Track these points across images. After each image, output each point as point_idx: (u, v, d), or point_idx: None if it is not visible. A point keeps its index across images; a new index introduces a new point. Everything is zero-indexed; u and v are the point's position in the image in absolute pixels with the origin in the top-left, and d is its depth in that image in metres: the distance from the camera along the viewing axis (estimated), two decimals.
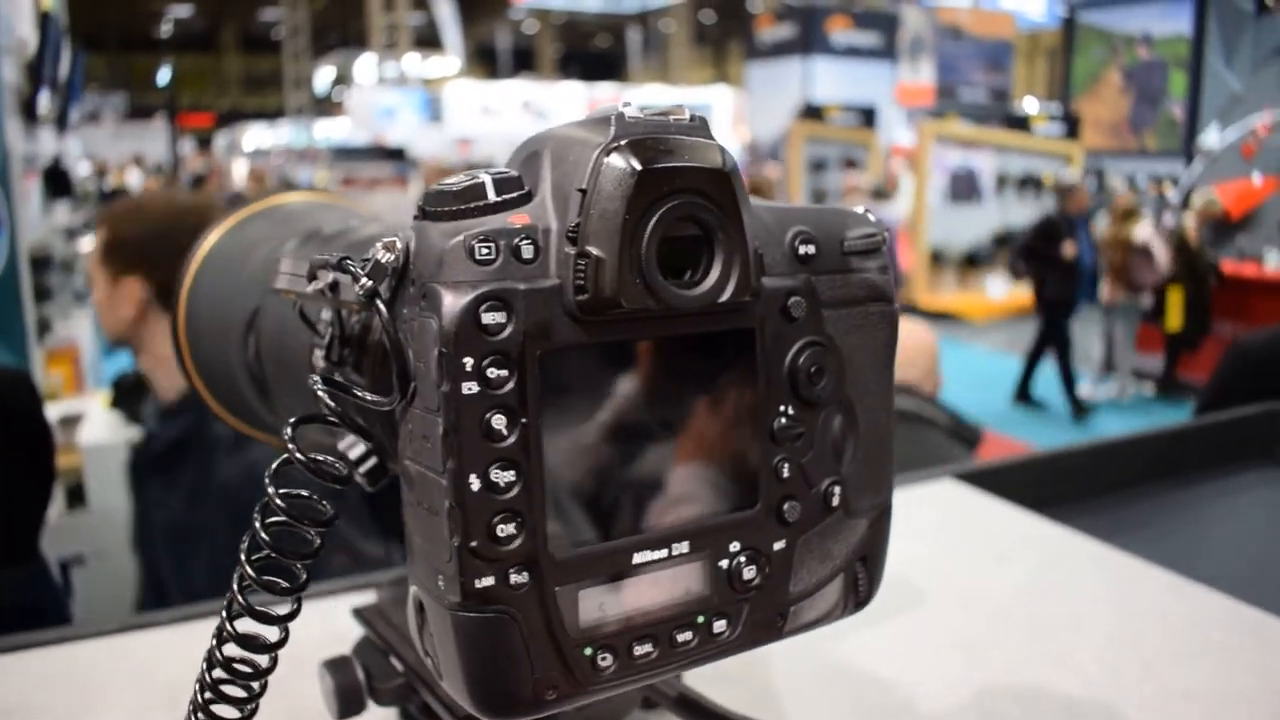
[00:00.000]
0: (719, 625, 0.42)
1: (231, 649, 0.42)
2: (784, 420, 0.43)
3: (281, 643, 0.43)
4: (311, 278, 0.42)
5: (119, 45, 29.50)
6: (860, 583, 0.47)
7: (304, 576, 0.41)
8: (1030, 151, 10.82)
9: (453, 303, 0.35)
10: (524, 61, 32.28)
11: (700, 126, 0.40)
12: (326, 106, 28.60)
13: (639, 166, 0.37)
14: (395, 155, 5.32)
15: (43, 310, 4.16)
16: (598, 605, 0.39)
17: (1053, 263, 6.86)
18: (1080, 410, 6.71)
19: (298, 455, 0.40)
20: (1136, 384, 7.40)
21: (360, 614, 0.66)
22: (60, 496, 2.64)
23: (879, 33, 16.62)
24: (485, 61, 32.30)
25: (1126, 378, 7.29)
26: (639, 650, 0.40)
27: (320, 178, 8.85)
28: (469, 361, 0.35)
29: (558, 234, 0.37)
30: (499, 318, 0.36)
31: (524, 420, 0.36)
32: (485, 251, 0.36)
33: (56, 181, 5.69)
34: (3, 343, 3.53)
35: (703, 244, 0.39)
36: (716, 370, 0.41)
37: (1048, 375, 6.96)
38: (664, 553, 0.40)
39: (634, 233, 0.37)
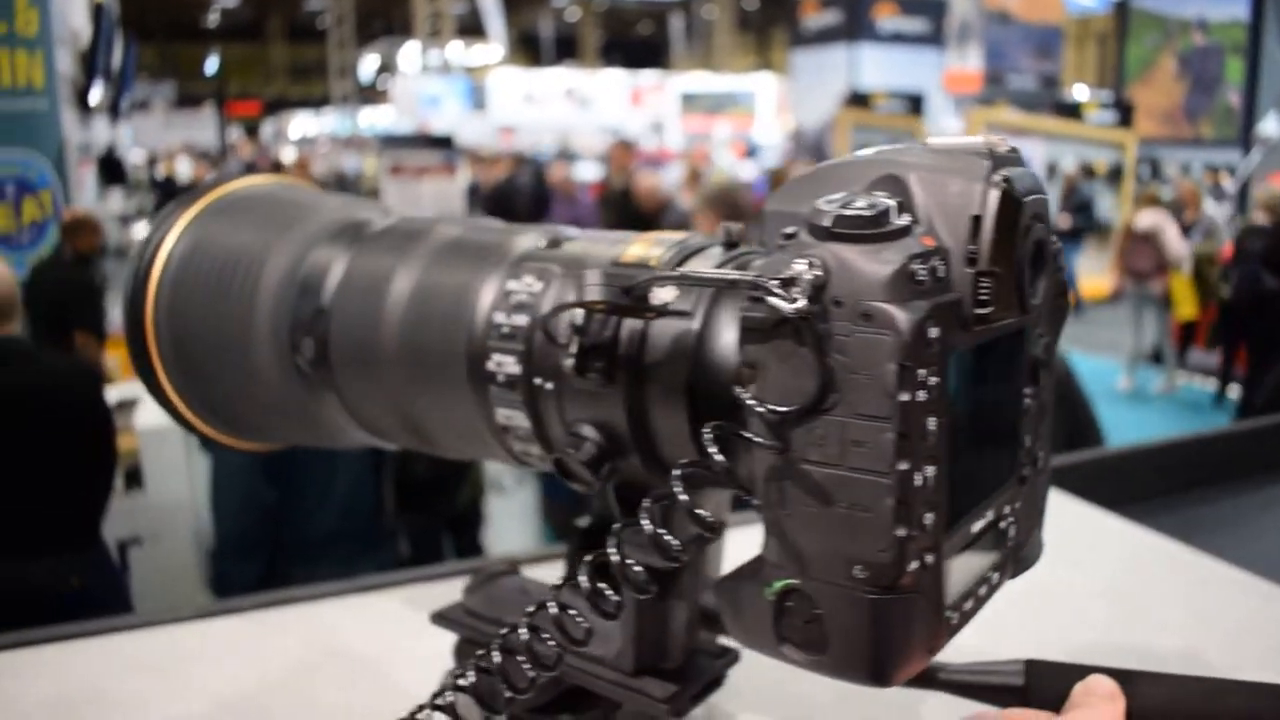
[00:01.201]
0: (995, 577, 0.49)
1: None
2: (1028, 400, 0.49)
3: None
4: (628, 290, 0.48)
5: (167, 35, 29.82)
6: (1042, 525, 0.54)
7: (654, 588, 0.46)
8: (1081, 140, 10.66)
9: (908, 321, 0.39)
10: (566, 49, 32.24)
11: (1020, 156, 0.46)
12: (371, 95, 28.75)
13: (1025, 198, 0.43)
14: (443, 143, 5.34)
15: None
16: (956, 573, 0.45)
17: None
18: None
19: (715, 459, 0.43)
20: (1189, 378, 7.24)
21: (450, 620, 0.65)
22: (118, 479, 2.69)
23: (926, 18, 16.41)
24: (528, 49, 32.30)
25: (1174, 370, 7.12)
26: (965, 606, 0.46)
27: (369, 165, 8.91)
28: (921, 373, 0.40)
29: (955, 254, 0.42)
30: (935, 332, 0.40)
31: (942, 419, 0.41)
32: (922, 274, 0.40)
33: (111, 169, 5.77)
34: None
35: (1029, 259, 0.45)
36: (1012, 362, 0.48)
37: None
38: (983, 522, 0.47)
39: (1018, 254, 0.43)
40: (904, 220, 0.42)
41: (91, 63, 5.12)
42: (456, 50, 25.65)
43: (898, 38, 16.18)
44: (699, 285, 0.48)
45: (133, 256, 0.68)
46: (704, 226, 3.70)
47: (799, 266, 0.41)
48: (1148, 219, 6.83)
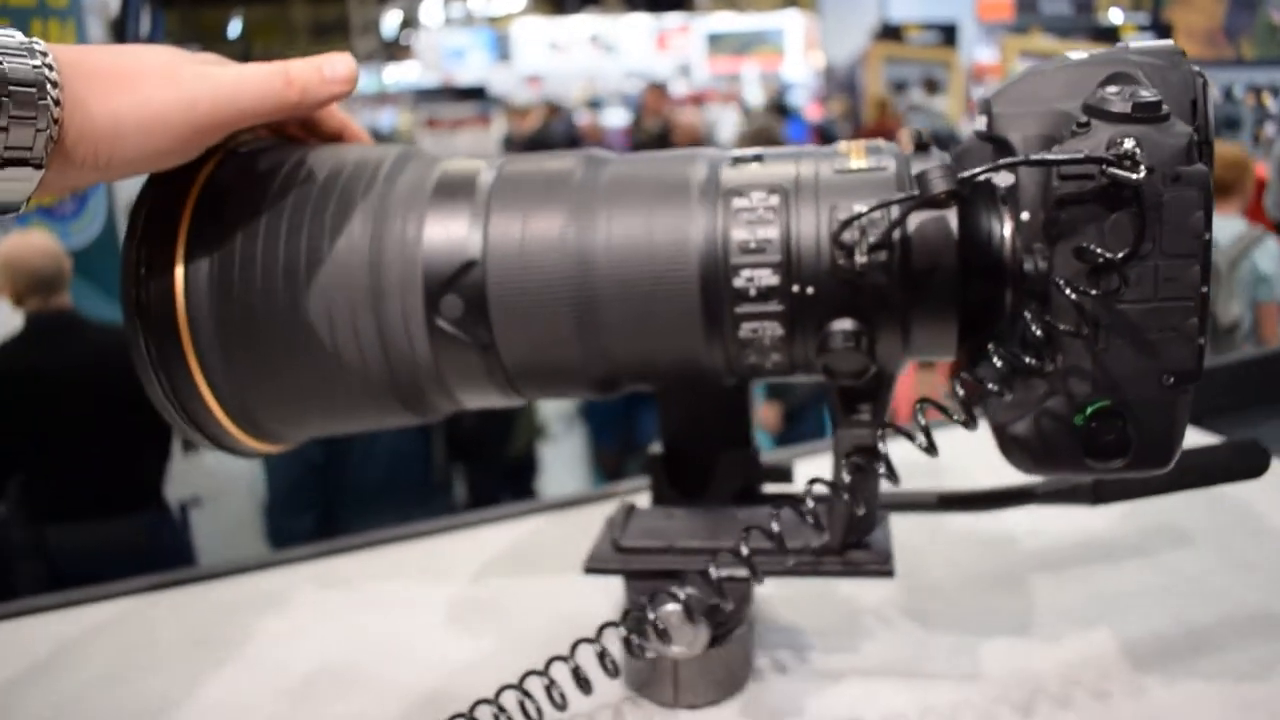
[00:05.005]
0: None
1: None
2: None
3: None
4: (964, 181, 0.54)
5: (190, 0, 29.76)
6: None
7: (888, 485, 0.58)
8: None
9: (1207, 176, 0.51)
10: None
11: None
12: (395, 51, 28.57)
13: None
14: (476, 95, 5.31)
15: None
16: None
17: None
18: None
19: (1074, 297, 0.52)
20: None
21: (609, 563, 0.66)
22: (176, 443, 2.73)
23: None
24: None
25: None
26: None
27: (404, 120, 8.85)
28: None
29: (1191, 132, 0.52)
30: None
31: None
32: (1195, 147, 0.52)
33: None
34: (109, 297, 3.61)
35: None
36: None
37: None
38: None
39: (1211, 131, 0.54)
40: (1168, 107, 0.52)
41: (121, 31, 5.12)
42: (479, 1, 25.43)
43: None
44: (1040, 165, 0.54)
45: (129, 242, 0.59)
46: None
47: (1129, 144, 0.50)
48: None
